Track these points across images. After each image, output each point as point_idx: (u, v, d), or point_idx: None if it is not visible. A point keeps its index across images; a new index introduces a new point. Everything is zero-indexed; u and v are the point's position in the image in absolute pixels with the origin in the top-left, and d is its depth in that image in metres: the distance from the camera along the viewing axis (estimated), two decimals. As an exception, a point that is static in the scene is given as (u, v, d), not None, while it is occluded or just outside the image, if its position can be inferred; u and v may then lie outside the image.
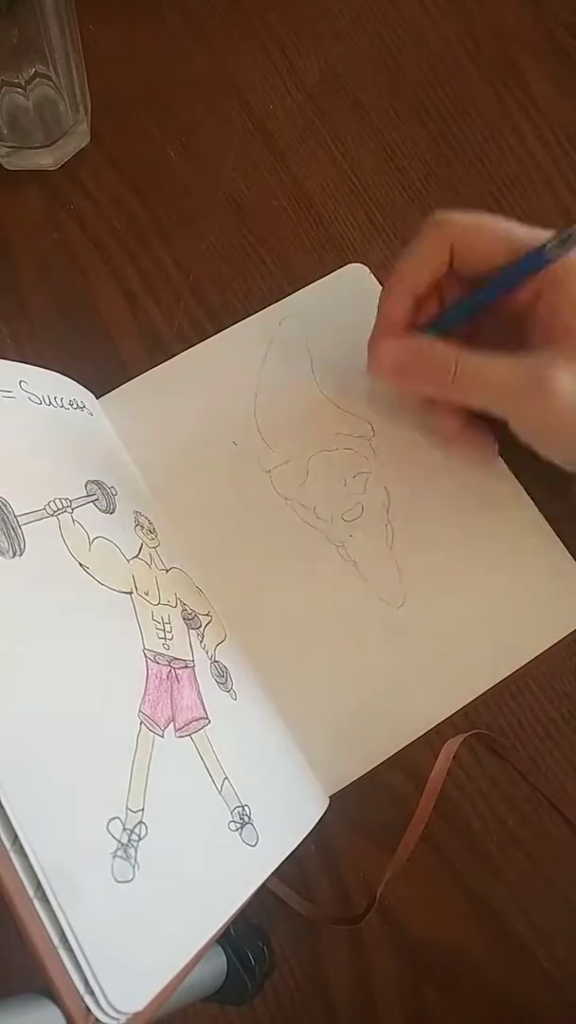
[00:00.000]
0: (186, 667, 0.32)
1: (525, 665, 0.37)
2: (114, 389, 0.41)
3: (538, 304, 0.33)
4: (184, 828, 0.28)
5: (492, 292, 0.34)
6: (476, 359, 0.33)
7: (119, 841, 0.26)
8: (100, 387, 0.40)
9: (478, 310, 0.35)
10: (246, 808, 0.31)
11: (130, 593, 0.32)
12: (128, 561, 0.33)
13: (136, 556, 0.34)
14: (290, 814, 0.33)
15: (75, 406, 0.37)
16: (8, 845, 0.23)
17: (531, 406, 0.33)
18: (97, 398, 0.40)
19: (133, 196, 0.44)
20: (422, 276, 0.35)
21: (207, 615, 0.36)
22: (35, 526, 0.30)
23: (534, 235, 0.33)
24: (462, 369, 0.33)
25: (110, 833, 0.25)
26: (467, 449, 0.38)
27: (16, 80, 0.39)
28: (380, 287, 0.42)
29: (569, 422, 0.32)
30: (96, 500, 0.34)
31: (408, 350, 0.35)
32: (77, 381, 0.39)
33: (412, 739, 0.36)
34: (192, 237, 0.44)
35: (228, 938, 0.34)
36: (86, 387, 0.39)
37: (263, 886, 0.30)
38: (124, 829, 0.26)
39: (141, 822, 0.26)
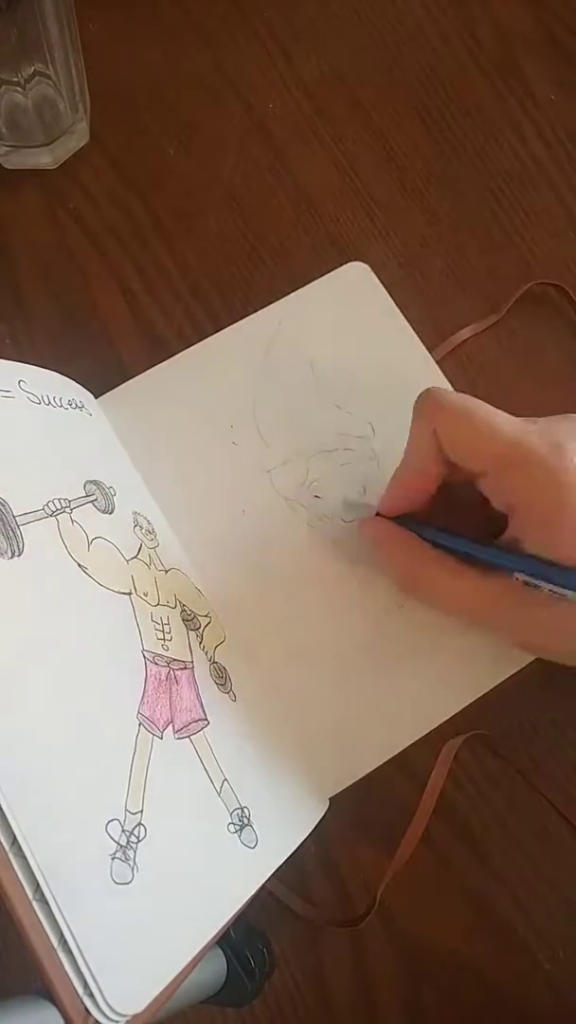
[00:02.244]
0: (185, 668, 0.32)
1: (526, 666, 0.37)
2: (113, 389, 0.40)
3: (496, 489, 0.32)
4: (183, 830, 0.28)
5: (478, 553, 0.33)
6: (441, 575, 0.33)
7: (118, 843, 0.25)
8: (99, 387, 0.40)
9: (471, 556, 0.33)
10: (245, 810, 0.31)
11: (129, 594, 0.32)
12: (127, 562, 0.33)
13: (135, 557, 0.34)
14: (290, 816, 0.33)
15: (74, 406, 0.37)
16: (7, 847, 0.23)
17: (495, 626, 0.34)
18: (96, 398, 0.40)
19: (133, 195, 0.44)
20: (431, 462, 0.33)
21: (206, 616, 0.36)
22: (34, 526, 0.30)
23: (521, 433, 0.30)
24: (421, 579, 0.34)
25: (109, 835, 0.25)
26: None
27: (15, 79, 0.39)
28: (381, 286, 0.42)
29: (535, 645, 0.34)
30: (95, 500, 0.34)
31: (375, 534, 0.36)
32: (76, 381, 0.38)
33: (412, 740, 0.36)
34: (192, 236, 0.44)
35: (228, 940, 0.34)
36: (85, 387, 0.39)
37: (263, 888, 0.30)
38: (123, 831, 0.26)
39: (140, 824, 0.26)
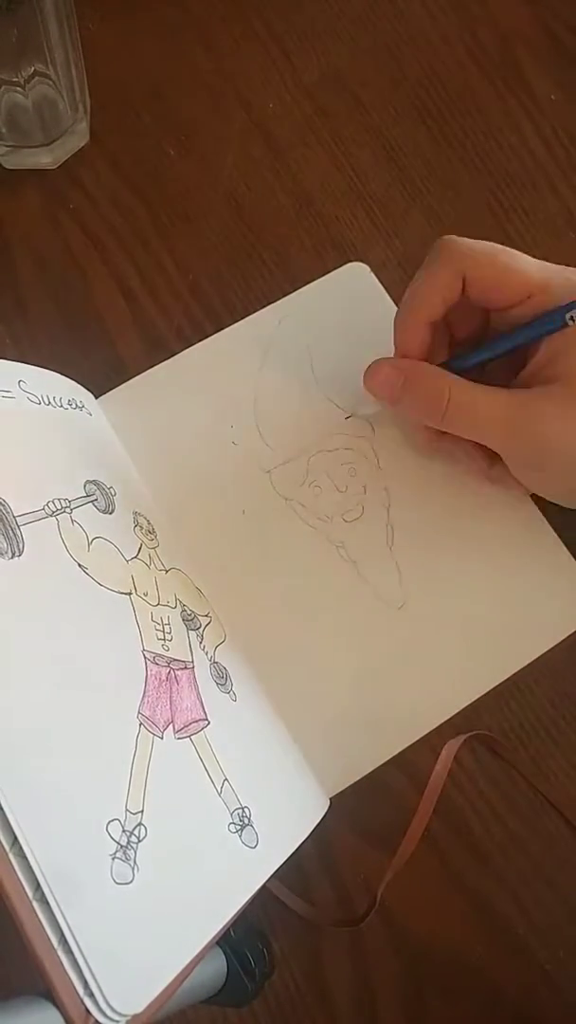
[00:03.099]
0: (185, 668, 0.32)
1: (526, 666, 0.37)
2: (113, 389, 0.40)
3: (541, 343, 0.33)
4: (183, 830, 0.28)
5: (502, 348, 0.34)
6: (469, 391, 0.33)
7: (118, 843, 0.25)
8: (99, 387, 0.40)
9: (486, 363, 0.35)
10: (246, 810, 0.31)
11: (129, 594, 0.32)
12: (127, 562, 0.33)
13: (135, 557, 0.34)
14: (290, 816, 0.33)
15: (74, 406, 0.37)
16: (7, 847, 0.23)
17: (521, 443, 0.33)
18: (96, 398, 0.40)
19: (133, 195, 0.44)
20: (435, 306, 0.34)
21: (206, 616, 0.36)
22: (34, 526, 0.30)
23: (545, 273, 0.33)
24: (454, 400, 0.33)
25: (109, 835, 0.25)
26: (498, 489, 0.38)
27: (15, 79, 0.39)
28: (381, 286, 0.42)
29: (558, 462, 0.33)
30: (95, 500, 0.34)
31: (401, 372, 0.35)
32: (76, 381, 0.38)
33: (413, 741, 0.36)
34: (192, 236, 0.44)
35: (228, 940, 0.34)
36: (85, 387, 0.39)
37: (263, 888, 0.30)
38: (123, 831, 0.26)
39: (140, 824, 0.26)
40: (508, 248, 0.34)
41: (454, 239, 0.34)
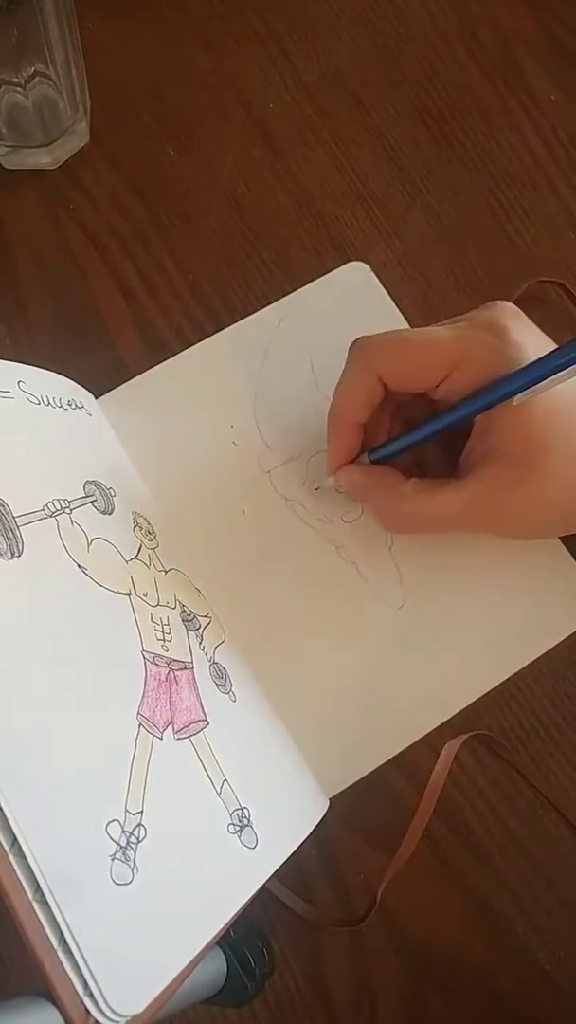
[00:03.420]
0: (185, 669, 0.32)
1: (526, 666, 0.37)
2: (113, 389, 0.40)
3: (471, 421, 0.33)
4: (183, 830, 0.28)
5: (431, 431, 0.34)
6: (417, 499, 0.34)
7: (118, 843, 0.25)
8: (99, 387, 0.40)
9: (419, 444, 0.35)
10: (245, 810, 0.31)
11: (128, 594, 0.32)
12: (127, 562, 0.33)
13: (135, 557, 0.34)
14: (290, 816, 0.33)
15: (74, 406, 0.37)
16: (7, 847, 0.23)
17: (482, 530, 0.35)
18: (96, 398, 0.40)
19: (133, 195, 0.44)
20: (359, 410, 0.35)
21: (206, 616, 0.36)
22: (33, 527, 0.30)
23: (460, 344, 0.32)
24: (405, 512, 0.34)
25: (109, 835, 0.25)
26: None
27: (15, 79, 0.39)
28: (381, 286, 0.42)
29: (524, 533, 0.35)
30: (95, 501, 0.34)
31: (364, 478, 0.36)
32: (76, 381, 0.38)
33: (413, 741, 0.36)
34: (192, 237, 0.44)
35: (228, 940, 0.34)
36: (85, 387, 0.39)
37: (263, 888, 0.30)
38: (123, 831, 0.26)
39: (140, 824, 0.26)
40: (417, 330, 0.33)
41: (363, 340, 0.34)
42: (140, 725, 0.29)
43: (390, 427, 0.37)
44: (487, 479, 0.32)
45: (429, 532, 0.37)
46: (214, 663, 0.34)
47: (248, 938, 0.35)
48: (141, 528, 0.36)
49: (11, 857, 0.23)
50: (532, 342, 0.32)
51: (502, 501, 0.33)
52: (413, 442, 0.34)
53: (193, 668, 0.33)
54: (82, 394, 0.39)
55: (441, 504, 0.33)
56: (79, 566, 0.31)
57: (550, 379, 0.29)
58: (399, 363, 0.33)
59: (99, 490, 0.34)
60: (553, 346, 0.32)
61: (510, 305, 0.33)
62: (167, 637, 0.32)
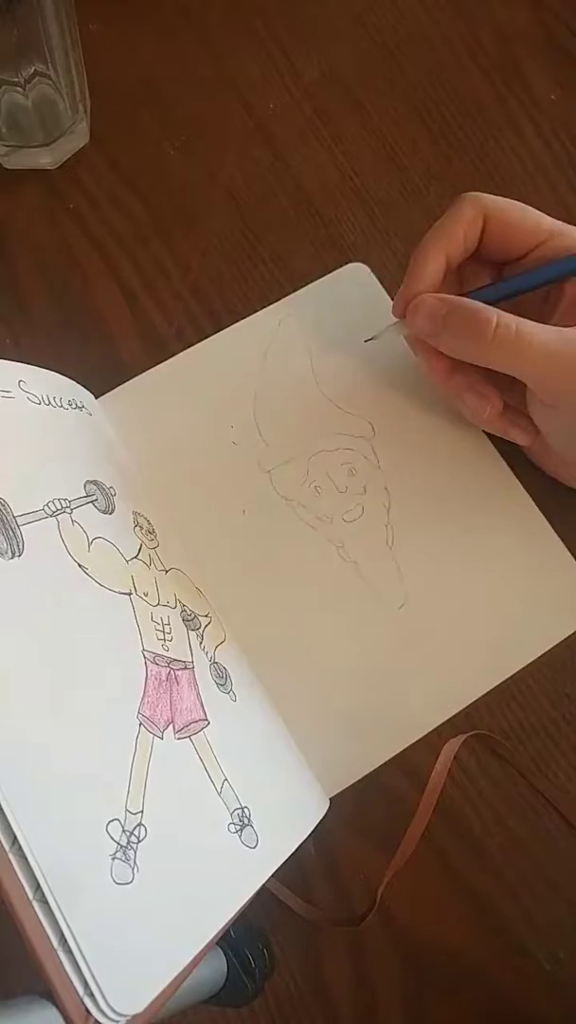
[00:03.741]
0: (185, 668, 0.32)
1: (526, 666, 0.37)
2: (113, 389, 0.40)
3: (565, 288, 0.35)
4: (183, 830, 0.28)
5: (527, 284, 0.35)
6: (516, 321, 0.33)
7: (118, 843, 0.25)
8: (99, 387, 0.40)
9: (505, 298, 0.36)
10: (245, 810, 0.31)
11: (129, 594, 0.32)
12: (127, 562, 0.33)
13: (135, 557, 0.34)
14: (290, 816, 0.33)
15: (74, 406, 0.37)
16: (7, 847, 0.23)
17: (560, 378, 0.32)
18: (96, 398, 0.40)
19: (133, 195, 0.44)
20: (457, 241, 0.35)
21: (206, 616, 0.36)
22: (34, 527, 0.30)
23: (560, 228, 0.35)
24: (502, 328, 0.33)
25: (109, 835, 0.25)
26: (508, 434, 0.37)
27: (15, 79, 0.39)
28: (381, 286, 0.42)
29: None
30: (95, 500, 0.34)
31: (446, 302, 0.35)
32: (76, 381, 0.38)
33: (413, 740, 0.36)
34: (192, 237, 0.44)
35: (228, 940, 0.34)
36: (85, 387, 0.39)
37: (263, 888, 0.30)
38: (123, 831, 0.26)
39: (140, 824, 0.26)
40: (524, 204, 0.36)
41: (475, 193, 0.36)
42: (140, 725, 0.29)
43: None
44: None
45: (505, 360, 0.33)
46: (215, 663, 0.34)
47: (248, 938, 0.35)
48: (141, 528, 0.36)
49: (11, 857, 0.23)
50: None
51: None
52: (516, 290, 0.36)
53: (194, 668, 0.33)
54: (82, 394, 0.39)
55: (534, 332, 0.32)
56: (79, 566, 0.31)
57: None
58: (506, 212, 0.35)
59: (99, 490, 0.34)
60: None
61: None
62: (168, 637, 0.32)
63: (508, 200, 0.35)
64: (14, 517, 0.29)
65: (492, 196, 0.35)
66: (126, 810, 0.26)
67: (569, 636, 0.37)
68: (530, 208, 0.36)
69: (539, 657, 0.37)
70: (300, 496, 0.39)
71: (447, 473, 0.39)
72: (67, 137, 0.43)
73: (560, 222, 0.36)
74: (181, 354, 0.41)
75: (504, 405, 0.36)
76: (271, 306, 0.42)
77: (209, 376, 0.41)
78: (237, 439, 0.40)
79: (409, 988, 0.35)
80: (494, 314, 0.33)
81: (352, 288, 0.42)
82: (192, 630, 0.34)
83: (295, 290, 0.42)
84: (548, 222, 0.35)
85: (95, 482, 0.34)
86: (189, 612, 0.35)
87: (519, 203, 0.36)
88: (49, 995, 0.23)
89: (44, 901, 0.23)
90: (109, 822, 0.26)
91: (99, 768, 0.27)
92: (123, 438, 0.39)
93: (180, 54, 0.46)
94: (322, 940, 0.36)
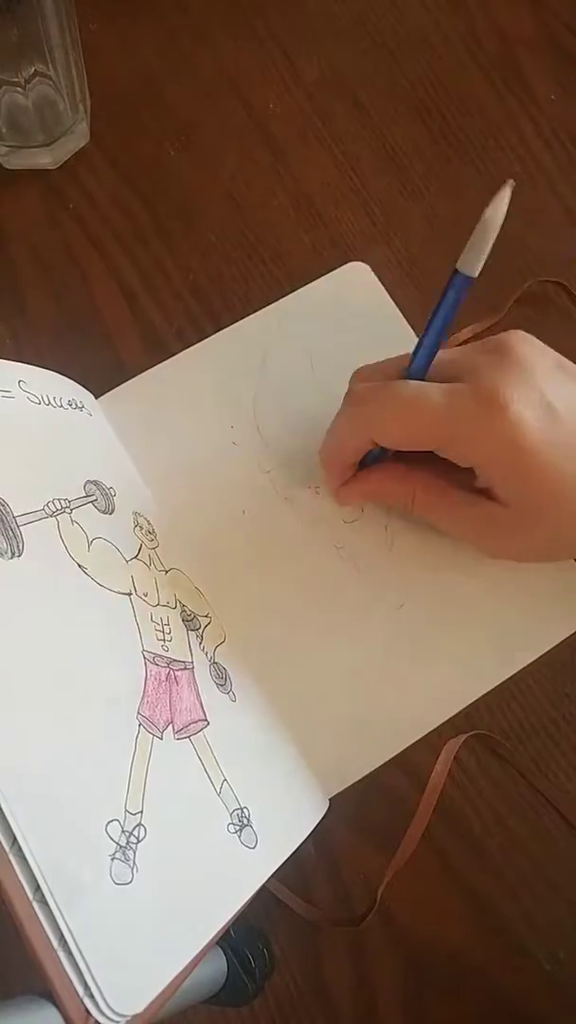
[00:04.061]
0: (185, 669, 0.32)
1: (526, 666, 0.37)
2: (113, 389, 0.40)
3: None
4: (183, 830, 0.28)
5: (432, 341, 0.32)
6: (432, 491, 0.34)
7: (118, 843, 0.25)
8: (99, 387, 0.40)
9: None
10: (245, 810, 0.31)
11: (129, 594, 0.32)
12: (127, 562, 0.33)
13: (135, 557, 0.34)
14: (290, 816, 0.33)
15: (74, 406, 0.37)
16: (7, 847, 0.23)
17: (488, 548, 0.35)
18: (96, 398, 0.40)
19: (133, 195, 0.44)
20: (351, 456, 0.35)
21: (206, 616, 0.36)
22: (34, 527, 0.30)
23: (449, 392, 0.31)
24: (419, 498, 0.35)
25: (108, 835, 0.25)
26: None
27: (16, 79, 0.39)
28: (381, 286, 0.42)
29: (539, 556, 0.35)
30: (95, 500, 0.34)
31: (368, 486, 0.36)
32: (76, 381, 0.38)
33: (413, 741, 0.36)
34: (192, 237, 0.44)
35: (228, 940, 0.34)
36: (85, 387, 0.39)
37: (263, 888, 0.30)
38: (123, 831, 0.26)
39: (140, 824, 0.26)
40: (413, 394, 0.31)
41: (359, 393, 0.33)
42: (140, 725, 0.29)
43: None
44: (493, 517, 0.33)
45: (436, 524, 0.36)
46: (214, 663, 0.34)
47: (248, 938, 0.35)
48: (141, 528, 0.36)
49: (11, 857, 0.23)
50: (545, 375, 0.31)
51: (507, 536, 0.33)
52: (430, 354, 0.33)
53: (193, 668, 0.33)
54: (82, 394, 0.39)
55: (452, 504, 0.34)
56: (79, 566, 0.31)
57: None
58: (392, 432, 0.33)
59: (99, 490, 0.34)
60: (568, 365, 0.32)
61: (520, 335, 0.32)
62: (167, 637, 0.32)
63: (394, 411, 0.32)
64: (14, 517, 0.29)
65: (377, 409, 0.32)
66: (125, 810, 0.26)
67: (569, 636, 0.37)
68: (419, 412, 0.31)
69: (539, 657, 0.37)
70: (300, 496, 0.39)
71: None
72: (67, 137, 0.43)
73: (450, 396, 0.31)
74: (181, 354, 0.41)
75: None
76: (271, 306, 0.42)
77: (209, 376, 0.41)
78: (237, 439, 0.40)
79: (409, 988, 0.35)
80: (411, 487, 0.34)
81: (352, 288, 0.42)
82: (192, 630, 0.34)
83: (295, 290, 0.42)
84: (439, 426, 0.31)
85: (95, 482, 0.34)
86: (189, 612, 0.35)
87: (405, 414, 0.32)
88: (49, 995, 0.23)
89: (44, 901, 0.23)
90: (108, 822, 0.26)
91: (98, 768, 0.27)
92: (123, 438, 0.39)
93: (180, 54, 0.46)
94: (322, 940, 0.36)
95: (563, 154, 0.44)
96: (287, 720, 0.36)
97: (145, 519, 0.36)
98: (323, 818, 0.34)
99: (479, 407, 0.30)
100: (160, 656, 0.31)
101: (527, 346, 0.32)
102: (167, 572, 0.35)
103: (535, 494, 0.31)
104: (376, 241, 0.43)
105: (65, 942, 0.23)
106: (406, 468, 0.35)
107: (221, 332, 0.42)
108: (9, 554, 0.28)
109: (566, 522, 0.32)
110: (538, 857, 0.36)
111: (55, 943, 0.23)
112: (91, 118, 0.44)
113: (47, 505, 0.31)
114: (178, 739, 0.30)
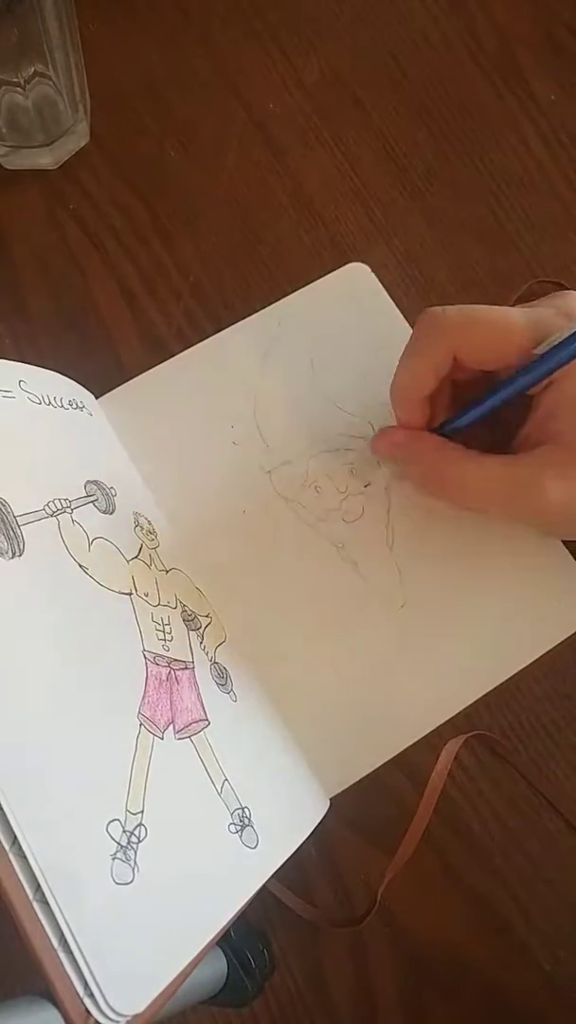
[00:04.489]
0: (186, 668, 0.32)
1: (526, 666, 0.37)
2: (113, 389, 0.40)
3: (538, 400, 0.33)
4: (184, 830, 0.28)
5: (496, 401, 0.33)
6: (467, 465, 0.33)
7: (118, 843, 0.25)
8: (99, 387, 0.40)
9: (491, 413, 0.34)
10: (246, 810, 0.31)
11: (129, 594, 0.32)
12: (128, 562, 0.33)
13: (136, 557, 0.34)
14: (290, 816, 0.33)
15: (74, 406, 0.37)
16: (7, 847, 0.23)
17: (521, 512, 0.33)
18: (96, 398, 0.40)
19: (133, 196, 0.44)
20: (428, 383, 0.34)
21: (207, 616, 0.36)
22: (34, 527, 0.30)
23: (533, 317, 0.32)
24: (455, 470, 0.34)
25: (109, 835, 0.25)
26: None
27: (15, 79, 0.39)
28: (381, 286, 0.42)
29: (558, 524, 0.33)
30: (95, 500, 0.34)
31: (406, 439, 0.36)
32: (76, 381, 0.38)
33: (413, 741, 0.36)
34: (192, 237, 0.44)
35: (228, 940, 0.34)
36: (85, 387, 0.39)
37: (263, 888, 0.30)
38: (123, 831, 0.26)
39: (141, 824, 0.26)
40: (494, 309, 0.33)
41: (436, 314, 0.33)
42: (141, 725, 0.29)
43: (449, 404, 0.36)
44: (540, 459, 0.32)
45: (466, 504, 0.35)
46: (215, 663, 0.34)
47: (248, 938, 0.35)
48: (142, 528, 0.36)
49: (11, 857, 0.23)
50: None
51: (549, 485, 0.31)
52: (480, 415, 0.34)
53: (194, 668, 0.33)
54: (82, 394, 0.39)
55: (487, 473, 0.33)
56: (80, 566, 0.31)
57: None
58: (476, 341, 0.32)
59: (100, 490, 0.34)
60: None
61: None
62: (168, 637, 0.32)
63: (474, 320, 0.32)
64: (14, 517, 0.29)
65: (456, 318, 0.33)
66: (126, 810, 0.26)
67: (570, 637, 0.37)
68: (502, 320, 0.32)
69: (539, 657, 0.37)
70: (300, 496, 0.39)
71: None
72: (67, 137, 0.43)
73: (537, 314, 0.32)
74: (181, 354, 0.41)
75: None
76: (271, 306, 0.42)
77: (209, 376, 0.41)
78: (237, 439, 0.40)
79: (409, 988, 0.35)
80: (452, 459, 0.34)
81: (352, 288, 0.42)
82: (192, 630, 0.34)
83: (295, 290, 0.42)
84: (524, 332, 0.32)
85: (95, 482, 0.34)
86: (189, 612, 0.35)
87: (486, 320, 0.32)
88: (49, 995, 0.23)
89: (44, 901, 0.23)
90: (109, 822, 0.26)
91: (99, 768, 0.27)
92: (123, 438, 0.39)
93: (180, 54, 0.46)
94: (322, 940, 0.36)
95: (563, 154, 0.44)
96: (288, 720, 0.36)
97: (145, 519, 0.36)
98: (323, 818, 0.34)
99: (564, 320, 0.31)
100: (161, 656, 0.31)
101: None
102: (168, 572, 0.35)
103: None
104: (376, 241, 0.43)
105: (65, 942, 0.23)
106: (465, 449, 0.34)
107: (221, 332, 0.42)
108: (9, 554, 0.28)
109: None
110: (538, 857, 0.36)
111: (55, 943, 0.23)
112: (91, 118, 0.44)
113: (47, 505, 0.31)
114: (179, 739, 0.30)
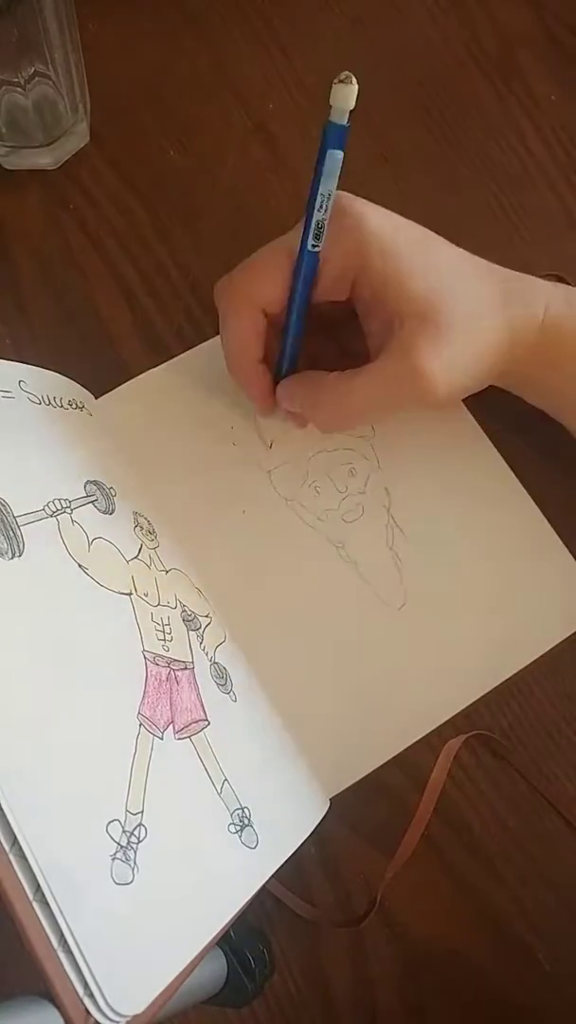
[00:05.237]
0: (186, 668, 0.32)
1: (526, 666, 0.37)
2: (113, 389, 0.40)
3: (363, 310, 0.34)
4: (183, 830, 0.28)
5: (296, 315, 0.34)
6: (351, 383, 0.33)
7: (118, 843, 0.25)
8: (99, 387, 0.40)
9: (300, 336, 0.35)
10: (246, 810, 0.31)
11: (129, 594, 0.32)
12: (127, 562, 0.33)
13: (135, 557, 0.34)
14: (290, 816, 0.33)
15: (74, 406, 0.37)
16: (7, 847, 0.23)
17: (412, 399, 0.33)
18: (96, 398, 0.40)
19: (133, 196, 0.44)
20: (252, 347, 0.35)
21: (207, 616, 0.36)
22: (34, 527, 0.30)
23: (292, 236, 0.33)
24: (335, 397, 0.34)
25: (109, 835, 0.25)
26: None
27: (15, 79, 0.39)
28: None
29: (443, 393, 0.33)
30: (95, 501, 0.34)
31: (295, 387, 0.36)
32: (76, 381, 0.38)
33: (413, 741, 0.36)
34: (192, 237, 0.44)
35: (228, 940, 0.34)
36: (85, 387, 0.39)
37: (263, 888, 0.30)
38: (123, 831, 0.26)
39: (140, 824, 0.26)
40: (266, 247, 0.34)
41: (223, 283, 0.35)
42: (141, 725, 0.29)
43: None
44: (397, 343, 0.32)
45: (360, 421, 0.37)
46: (215, 663, 0.34)
47: (248, 938, 0.35)
48: (142, 528, 0.35)
49: (11, 857, 0.23)
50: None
51: (423, 363, 0.32)
52: (298, 333, 0.35)
53: (194, 668, 0.33)
54: (82, 394, 0.39)
55: (364, 385, 0.33)
56: (80, 566, 0.31)
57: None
58: (266, 285, 0.33)
59: (100, 490, 0.34)
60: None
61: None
62: (168, 637, 0.32)
63: (261, 268, 0.34)
64: (14, 517, 0.29)
65: (239, 273, 0.34)
66: (126, 810, 0.26)
67: (570, 636, 0.37)
68: (268, 248, 0.34)
69: (539, 657, 0.37)
70: (300, 496, 0.39)
71: (447, 473, 0.39)
72: (67, 137, 0.43)
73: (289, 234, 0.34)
74: (182, 355, 0.41)
75: None
76: (271, 306, 0.42)
77: (209, 377, 0.41)
78: (237, 439, 0.40)
79: (409, 988, 0.35)
80: (330, 386, 0.34)
81: (352, 288, 0.42)
82: (192, 630, 0.34)
83: (295, 290, 0.42)
84: (289, 244, 0.33)
85: (95, 482, 0.34)
86: (189, 612, 0.35)
87: (258, 257, 0.34)
88: (49, 995, 0.23)
89: (44, 901, 0.23)
90: (109, 822, 0.26)
91: (99, 768, 0.27)
92: (123, 438, 0.39)
93: (180, 54, 0.46)
94: (322, 940, 0.36)
95: (563, 154, 0.44)
96: (287, 720, 0.36)
97: (145, 519, 0.36)
98: (323, 818, 0.34)
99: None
100: (160, 656, 0.31)
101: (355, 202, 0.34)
102: (167, 572, 0.35)
103: (429, 282, 0.32)
104: (376, 241, 0.43)
105: (65, 942, 0.23)
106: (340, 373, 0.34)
107: (221, 332, 0.41)
108: (9, 554, 0.28)
109: (463, 325, 0.32)
110: (538, 857, 0.36)
111: (55, 943, 0.23)
112: (91, 118, 0.44)
113: (47, 505, 0.31)
114: (179, 739, 0.30)
